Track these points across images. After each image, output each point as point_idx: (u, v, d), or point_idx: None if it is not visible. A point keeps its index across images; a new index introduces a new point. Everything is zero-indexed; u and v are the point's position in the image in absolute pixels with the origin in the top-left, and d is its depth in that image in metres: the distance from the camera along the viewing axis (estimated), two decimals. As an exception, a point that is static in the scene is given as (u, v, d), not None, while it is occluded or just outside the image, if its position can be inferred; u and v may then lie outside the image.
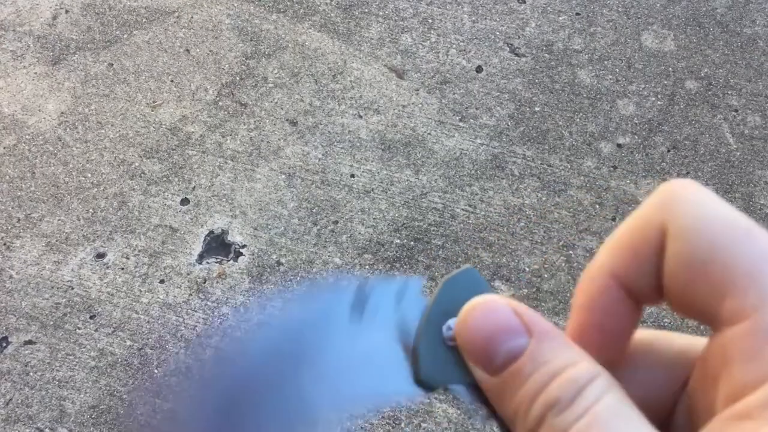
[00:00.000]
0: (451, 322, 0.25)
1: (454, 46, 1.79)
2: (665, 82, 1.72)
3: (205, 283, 1.42)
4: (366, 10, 1.86)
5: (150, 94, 1.70)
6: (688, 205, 0.23)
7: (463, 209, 1.52)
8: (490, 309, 0.24)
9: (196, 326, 1.37)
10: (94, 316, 1.38)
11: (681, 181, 0.23)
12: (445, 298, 0.26)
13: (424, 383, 0.25)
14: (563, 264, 1.45)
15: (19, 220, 1.50)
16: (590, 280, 0.25)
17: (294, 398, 0.25)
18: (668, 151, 1.61)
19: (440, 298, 0.26)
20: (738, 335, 0.21)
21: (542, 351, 0.23)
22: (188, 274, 1.43)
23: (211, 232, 1.49)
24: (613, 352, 0.25)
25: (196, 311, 1.39)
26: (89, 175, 1.57)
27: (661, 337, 0.26)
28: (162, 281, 1.42)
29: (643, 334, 0.26)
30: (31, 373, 1.32)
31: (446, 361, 0.25)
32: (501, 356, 0.24)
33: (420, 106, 1.68)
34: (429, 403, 1.29)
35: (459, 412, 1.28)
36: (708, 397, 0.23)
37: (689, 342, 0.26)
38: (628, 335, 0.25)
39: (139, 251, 1.46)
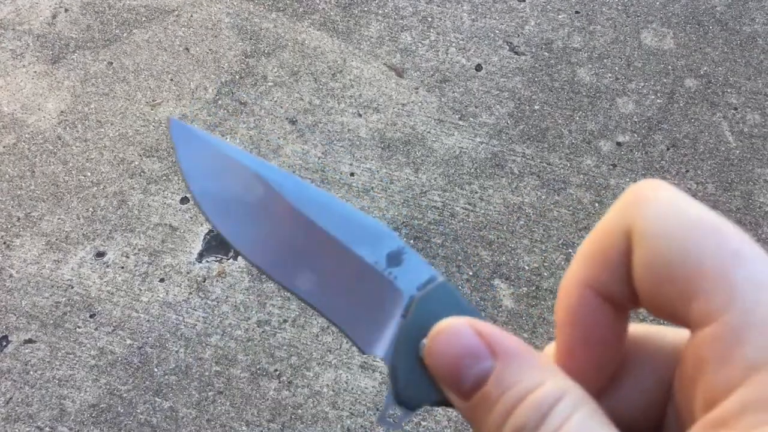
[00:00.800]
0: (426, 341, 0.25)
1: (453, 44, 1.79)
2: (665, 81, 1.72)
3: (205, 281, 1.42)
4: (365, 9, 1.86)
5: (149, 93, 1.70)
6: (652, 206, 0.22)
7: (462, 207, 1.52)
8: (454, 333, 0.24)
9: (196, 325, 1.37)
10: (94, 314, 1.38)
11: (648, 182, 0.23)
12: (420, 314, 0.25)
13: (405, 403, 0.25)
14: (563, 262, 1.45)
15: (19, 219, 1.51)
16: (566, 295, 0.24)
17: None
18: (668, 149, 1.61)
19: (415, 315, 0.25)
20: (708, 338, 0.21)
21: (508, 374, 0.23)
22: (188, 273, 1.43)
23: (211, 231, 1.49)
24: (606, 361, 0.25)
25: (196, 310, 1.39)
26: (89, 173, 1.57)
27: (652, 332, 0.26)
28: (162, 280, 1.42)
29: (634, 331, 0.26)
30: (31, 372, 1.32)
31: (425, 380, 0.25)
32: (468, 381, 0.23)
33: (419, 104, 1.68)
34: (429, 401, 1.29)
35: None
36: (689, 402, 0.22)
37: (681, 336, 0.25)
38: (618, 342, 0.25)
39: (139, 250, 1.46)
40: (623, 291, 0.23)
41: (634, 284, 0.23)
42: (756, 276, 0.21)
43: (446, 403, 0.25)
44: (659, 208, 0.22)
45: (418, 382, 0.25)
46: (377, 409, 1.28)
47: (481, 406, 0.23)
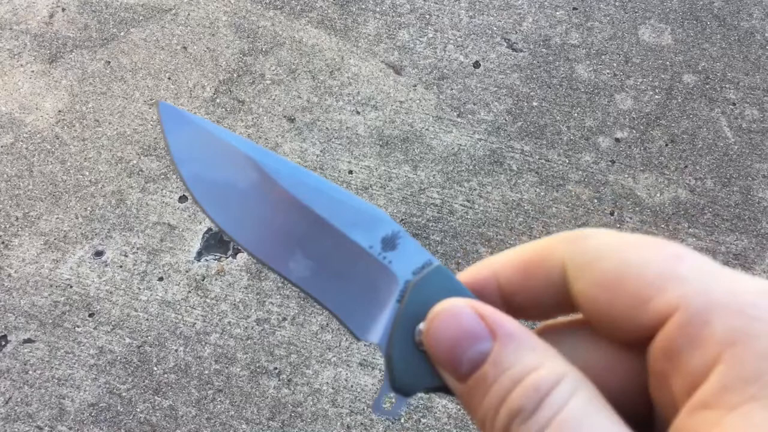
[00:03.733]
0: (422, 325, 0.24)
1: (451, 41, 1.79)
2: (663, 76, 1.72)
3: (203, 280, 1.42)
4: (363, 6, 1.85)
5: (147, 92, 1.69)
6: (588, 239, 0.24)
7: (461, 204, 1.52)
8: (453, 314, 0.24)
9: (195, 323, 1.37)
10: (93, 314, 1.38)
11: (578, 230, 0.25)
12: (415, 300, 0.25)
13: (401, 389, 0.25)
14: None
15: (17, 218, 1.50)
16: (477, 270, 0.26)
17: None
18: (666, 145, 1.61)
19: (411, 300, 0.25)
20: (675, 328, 0.21)
21: (505, 355, 0.23)
22: (187, 272, 1.43)
23: (210, 229, 1.48)
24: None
25: (195, 308, 1.39)
26: (87, 173, 1.57)
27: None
28: (161, 279, 1.42)
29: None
30: (31, 372, 1.32)
31: (420, 366, 0.25)
32: (466, 363, 0.23)
33: (418, 101, 1.68)
34: (429, 398, 1.29)
35: (458, 407, 1.28)
36: (668, 396, 0.22)
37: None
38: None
39: (138, 249, 1.46)
40: (521, 303, 0.25)
41: (572, 308, 0.25)
42: (700, 266, 0.22)
43: (442, 388, 0.25)
44: (595, 238, 0.24)
45: (413, 367, 0.25)
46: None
47: (478, 388, 0.23)
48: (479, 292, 0.26)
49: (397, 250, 0.26)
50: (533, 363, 0.23)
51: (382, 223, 0.26)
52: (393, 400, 0.25)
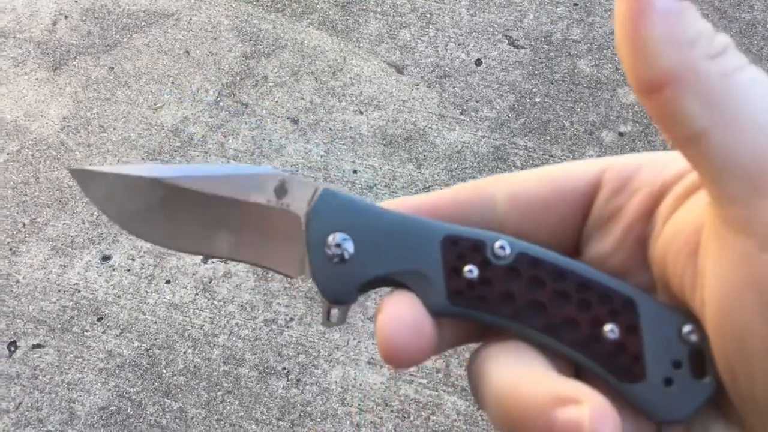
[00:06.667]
0: (331, 237, 0.27)
1: (452, 39, 1.79)
2: (665, 70, 1.72)
3: (210, 282, 1.43)
4: (364, 7, 1.86)
5: (151, 97, 1.70)
6: (515, 175, 0.28)
7: (466, 202, 1.52)
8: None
9: (203, 325, 1.37)
10: (102, 318, 1.39)
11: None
12: (317, 223, 0.28)
13: (336, 300, 0.28)
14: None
15: (24, 225, 1.51)
16: (420, 199, 0.28)
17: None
18: (670, 138, 1.61)
19: (313, 225, 0.28)
20: (608, 187, 0.26)
21: None
22: (194, 274, 1.44)
23: (216, 231, 1.49)
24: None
25: (202, 310, 1.39)
26: (93, 178, 1.57)
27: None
28: (168, 282, 1.43)
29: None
30: (40, 377, 1.33)
31: (339, 275, 0.28)
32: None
33: (420, 100, 1.68)
34: (438, 395, 1.29)
35: (468, 404, 1.28)
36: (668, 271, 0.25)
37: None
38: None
39: (145, 252, 1.47)
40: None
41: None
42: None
43: (370, 288, 0.28)
44: (524, 172, 0.28)
45: (335, 278, 0.28)
46: (386, 405, 1.28)
47: None
48: (424, 214, 0.28)
49: (289, 193, 0.29)
50: None
51: (268, 178, 0.30)
52: (335, 312, 0.28)
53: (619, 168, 0.26)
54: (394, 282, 0.28)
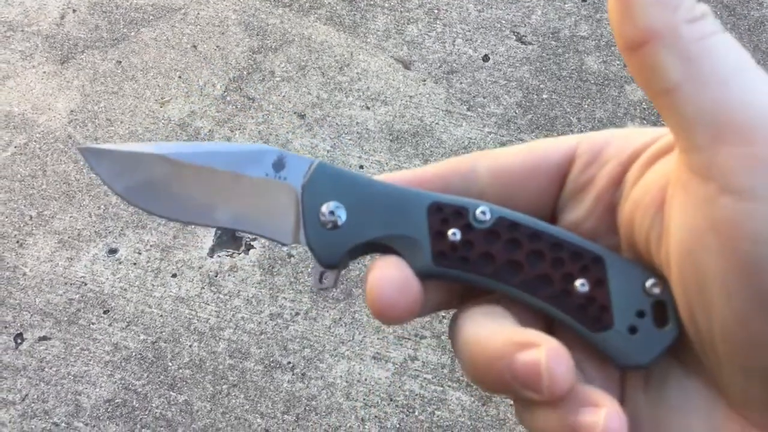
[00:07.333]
0: (325, 206, 0.30)
1: (460, 35, 1.79)
2: (673, 67, 1.71)
3: (216, 276, 1.43)
4: (371, 2, 1.86)
5: (158, 91, 1.70)
6: (494, 150, 0.31)
7: (472, 198, 1.52)
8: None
9: (209, 319, 1.38)
10: (108, 311, 1.39)
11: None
12: (311, 194, 0.30)
13: (328, 265, 0.30)
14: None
15: (31, 217, 1.52)
16: (404, 174, 0.31)
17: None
18: (678, 135, 1.61)
19: (307, 196, 0.30)
20: (582, 158, 0.29)
21: None
22: (200, 268, 1.44)
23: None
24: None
25: (208, 304, 1.39)
26: (100, 171, 1.58)
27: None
28: (174, 275, 1.43)
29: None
30: (47, 369, 1.33)
31: (331, 240, 0.30)
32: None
33: (427, 96, 1.68)
34: (443, 390, 1.29)
35: (473, 399, 1.28)
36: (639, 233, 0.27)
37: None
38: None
39: (151, 246, 1.47)
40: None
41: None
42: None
43: (361, 253, 0.30)
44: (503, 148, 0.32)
45: (327, 244, 0.30)
46: (391, 399, 1.28)
47: None
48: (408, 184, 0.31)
49: (286, 167, 0.31)
50: None
51: (266, 154, 0.32)
52: (326, 276, 0.31)
53: (591, 142, 0.29)
54: (384, 247, 0.30)
